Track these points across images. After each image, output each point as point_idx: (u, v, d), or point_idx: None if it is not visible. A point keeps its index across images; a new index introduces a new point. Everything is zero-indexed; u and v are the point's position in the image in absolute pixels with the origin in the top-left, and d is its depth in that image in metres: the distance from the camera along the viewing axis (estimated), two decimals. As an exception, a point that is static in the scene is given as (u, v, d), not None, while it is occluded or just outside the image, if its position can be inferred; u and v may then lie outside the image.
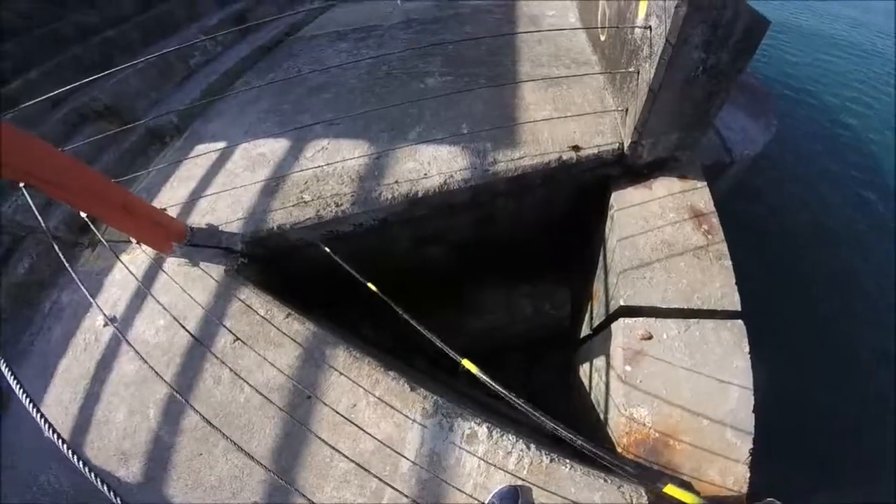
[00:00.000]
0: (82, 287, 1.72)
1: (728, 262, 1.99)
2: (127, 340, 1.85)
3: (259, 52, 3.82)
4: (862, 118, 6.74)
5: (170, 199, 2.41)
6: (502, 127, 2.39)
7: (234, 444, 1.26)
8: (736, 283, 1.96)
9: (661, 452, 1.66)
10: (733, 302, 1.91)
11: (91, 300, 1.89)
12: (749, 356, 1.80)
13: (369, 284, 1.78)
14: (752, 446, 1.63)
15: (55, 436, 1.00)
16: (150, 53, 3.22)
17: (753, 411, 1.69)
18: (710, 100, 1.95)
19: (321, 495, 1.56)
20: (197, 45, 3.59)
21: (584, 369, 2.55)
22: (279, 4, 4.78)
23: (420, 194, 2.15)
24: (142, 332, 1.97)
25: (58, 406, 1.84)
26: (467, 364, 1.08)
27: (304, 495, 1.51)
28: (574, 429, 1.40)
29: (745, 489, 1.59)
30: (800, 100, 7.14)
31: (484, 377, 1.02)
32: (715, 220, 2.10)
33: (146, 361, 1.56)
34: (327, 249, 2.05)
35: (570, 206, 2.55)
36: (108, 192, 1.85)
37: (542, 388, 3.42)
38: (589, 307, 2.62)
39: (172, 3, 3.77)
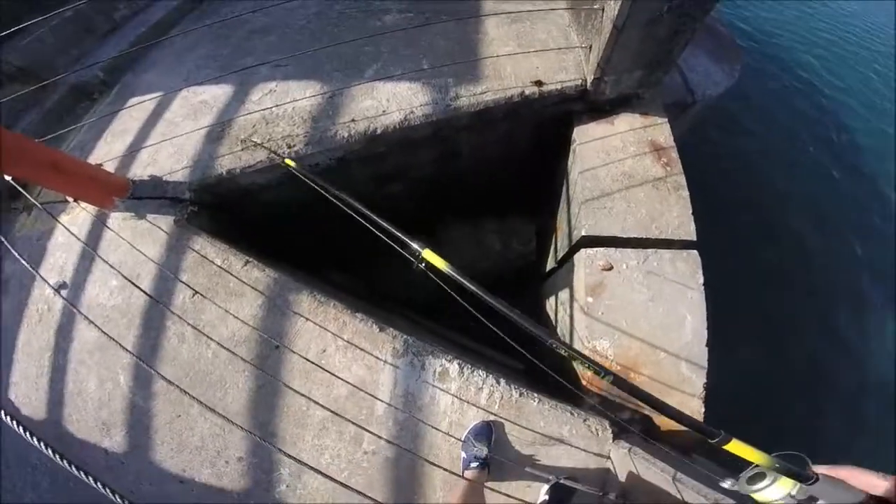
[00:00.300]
0: (19, 257, 1.56)
1: (685, 193, 2.03)
2: (77, 309, 1.75)
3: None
4: (833, 76, 6.91)
5: (106, 154, 2.21)
6: (464, 62, 2.28)
7: (206, 406, 1.22)
8: (693, 214, 2.02)
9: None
10: (689, 231, 1.95)
11: (32, 270, 1.76)
12: (703, 288, 1.83)
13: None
14: (705, 381, 1.66)
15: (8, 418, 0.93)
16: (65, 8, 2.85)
17: (707, 345, 1.72)
18: (674, 39, 1.91)
19: (302, 444, 1.58)
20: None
21: (550, 303, 2.62)
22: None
23: (379, 131, 2.06)
24: (95, 295, 1.85)
25: (26, 382, 1.76)
26: (429, 255, 0.97)
27: (285, 446, 1.52)
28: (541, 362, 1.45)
29: None
30: (770, 53, 7.21)
31: (451, 270, 0.94)
32: (674, 153, 2.12)
33: (103, 330, 1.46)
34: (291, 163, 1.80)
35: (533, 141, 2.53)
36: (33, 152, 1.68)
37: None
38: (553, 240, 2.66)
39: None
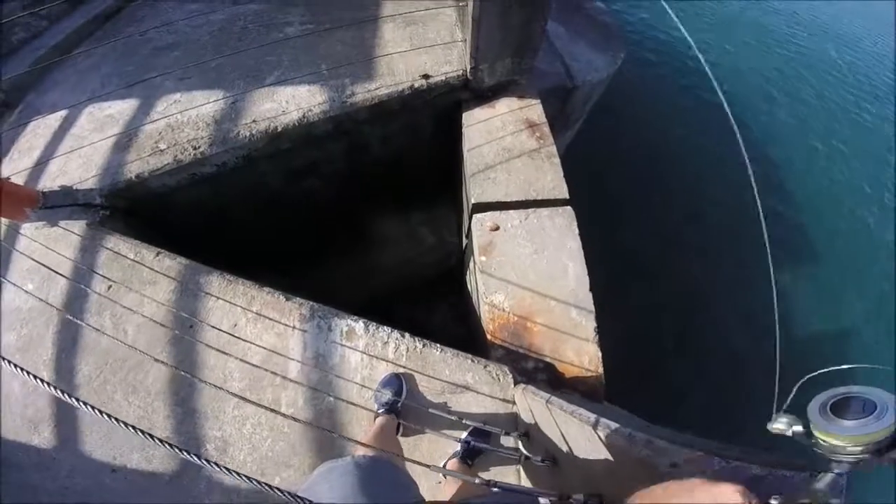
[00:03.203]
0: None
1: (557, 161, 2.32)
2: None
3: (95, 21, 3.41)
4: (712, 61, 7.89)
5: (13, 169, 2.27)
6: (361, 63, 2.53)
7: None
8: (564, 177, 2.31)
9: (522, 336, 1.79)
10: (563, 191, 2.20)
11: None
12: (579, 237, 2.02)
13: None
14: (595, 325, 1.77)
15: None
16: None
17: (591, 290, 1.85)
18: (528, 27, 2.20)
19: (224, 416, 1.65)
20: (17, 21, 3.19)
21: (467, 276, 2.87)
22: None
23: (279, 129, 2.24)
24: (11, 300, 1.91)
25: None
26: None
27: (207, 420, 1.59)
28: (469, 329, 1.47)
29: (600, 369, 1.70)
30: (656, 39, 8.13)
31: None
32: (546, 129, 2.44)
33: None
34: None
35: (435, 129, 2.79)
36: None
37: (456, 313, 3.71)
38: (462, 218, 2.92)
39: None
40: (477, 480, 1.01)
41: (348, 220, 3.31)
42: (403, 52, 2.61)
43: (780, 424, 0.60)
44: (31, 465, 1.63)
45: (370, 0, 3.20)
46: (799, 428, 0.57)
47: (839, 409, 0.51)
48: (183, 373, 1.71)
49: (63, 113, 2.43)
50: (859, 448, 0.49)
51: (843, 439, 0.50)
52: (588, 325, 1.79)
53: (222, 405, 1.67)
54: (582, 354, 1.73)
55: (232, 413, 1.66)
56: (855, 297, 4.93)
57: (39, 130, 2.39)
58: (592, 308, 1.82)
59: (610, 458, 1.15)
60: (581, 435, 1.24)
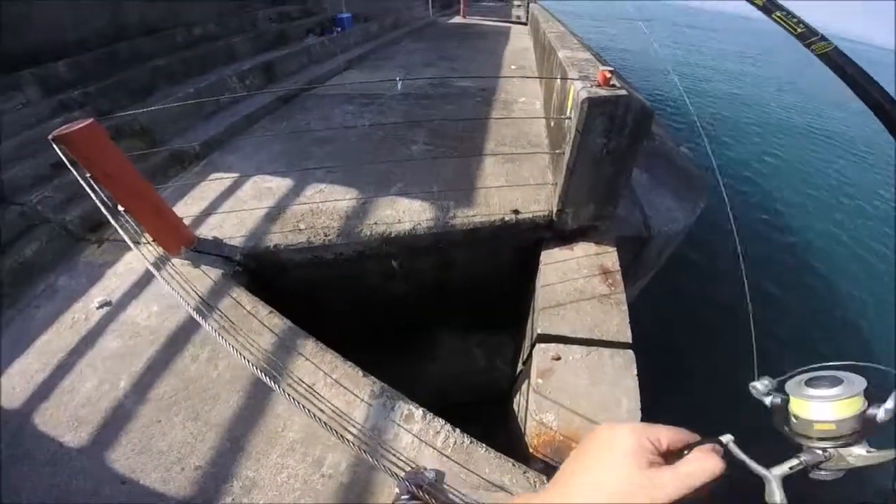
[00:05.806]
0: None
1: (625, 308, 2.48)
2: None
3: (278, 101, 4.54)
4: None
5: (184, 213, 2.87)
6: (464, 190, 3.02)
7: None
8: (630, 323, 2.47)
9: (565, 453, 1.85)
10: (626, 336, 2.34)
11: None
12: (636, 377, 2.14)
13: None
14: None
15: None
16: (189, 85, 3.88)
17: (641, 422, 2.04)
18: (616, 177, 2.49)
19: (265, 460, 1.73)
20: (228, 86, 4.28)
21: (515, 398, 2.94)
22: (301, 62, 5.75)
23: (392, 234, 2.68)
24: (134, 315, 2.27)
25: (21, 375, 2.01)
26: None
27: (249, 460, 1.66)
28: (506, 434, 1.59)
29: None
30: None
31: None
32: (618, 276, 2.65)
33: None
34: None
35: (512, 260, 3.08)
36: (146, 192, 2.34)
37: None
38: (521, 347, 3.07)
39: (215, 44, 4.53)
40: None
41: (413, 325, 3.57)
42: (499, 187, 3.09)
43: (760, 386, 0.58)
44: (45, 459, 1.72)
45: (478, 135, 3.90)
46: (777, 400, 0.56)
47: (813, 384, 0.52)
48: (248, 413, 1.82)
49: (235, 176, 3.12)
50: (828, 423, 0.49)
51: (809, 408, 0.51)
52: (634, 454, 1.83)
53: (269, 449, 1.76)
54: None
55: (275, 459, 1.74)
56: None
57: (213, 185, 3.08)
58: None
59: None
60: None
